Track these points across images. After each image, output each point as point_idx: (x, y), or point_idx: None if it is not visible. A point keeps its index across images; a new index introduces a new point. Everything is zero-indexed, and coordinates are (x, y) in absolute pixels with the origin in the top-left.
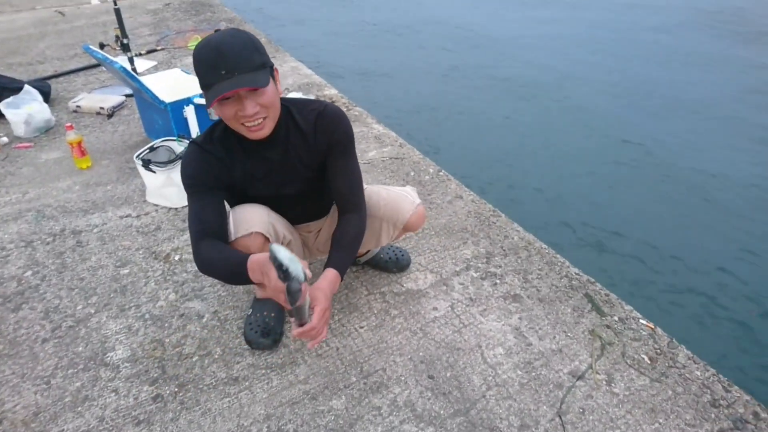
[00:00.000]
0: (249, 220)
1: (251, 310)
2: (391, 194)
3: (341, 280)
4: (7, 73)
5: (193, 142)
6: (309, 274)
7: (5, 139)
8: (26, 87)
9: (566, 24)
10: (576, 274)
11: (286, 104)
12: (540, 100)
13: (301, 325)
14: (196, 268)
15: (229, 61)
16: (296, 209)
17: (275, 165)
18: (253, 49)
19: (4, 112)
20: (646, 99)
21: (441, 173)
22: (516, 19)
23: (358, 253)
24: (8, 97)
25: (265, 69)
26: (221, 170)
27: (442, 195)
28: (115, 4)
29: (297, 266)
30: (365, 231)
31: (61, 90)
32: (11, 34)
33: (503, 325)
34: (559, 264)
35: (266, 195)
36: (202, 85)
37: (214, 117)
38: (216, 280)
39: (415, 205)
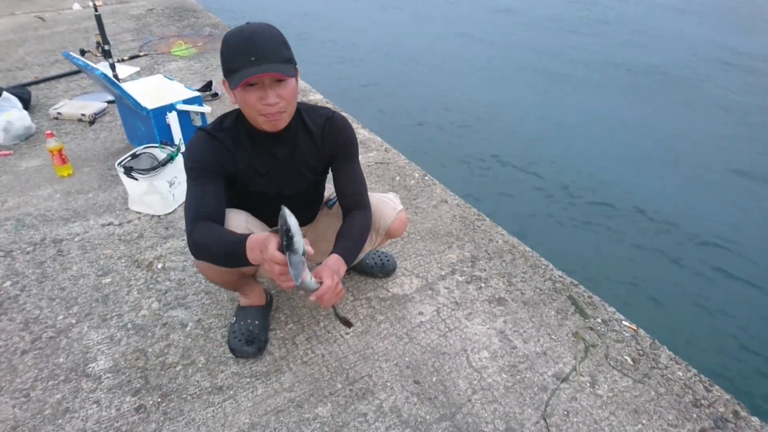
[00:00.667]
0: (227, 225)
1: (235, 318)
2: (373, 200)
3: (346, 269)
4: None
5: (202, 129)
6: (310, 250)
7: None
8: (5, 94)
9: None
10: (559, 276)
11: (297, 106)
12: (528, 101)
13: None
14: (180, 277)
15: (259, 50)
16: (292, 208)
17: (280, 163)
18: (283, 43)
19: None
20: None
21: (426, 178)
22: (504, 19)
23: (362, 250)
24: None
25: (292, 64)
26: (227, 159)
27: (427, 199)
28: (96, 11)
29: (301, 239)
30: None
31: (42, 97)
32: None
33: (488, 328)
34: (543, 267)
35: (266, 192)
36: (228, 70)
37: (197, 124)
38: (200, 288)
39: (397, 211)
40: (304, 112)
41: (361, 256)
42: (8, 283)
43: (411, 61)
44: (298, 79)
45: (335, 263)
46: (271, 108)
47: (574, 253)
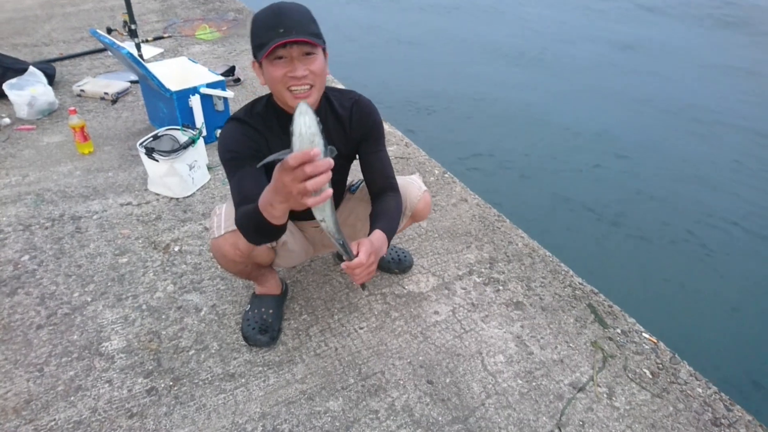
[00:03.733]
0: None
1: (249, 305)
2: (399, 182)
3: (388, 244)
4: (12, 53)
5: (232, 118)
6: (334, 150)
7: (7, 120)
8: (31, 68)
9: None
10: (579, 283)
11: (325, 90)
12: (552, 100)
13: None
14: (196, 261)
15: (287, 22)
16: None
17: None
18: (312, 19)
19: (7, 93)
20: (667, 111)
21: (446, 175)
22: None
23: (397, 230)
24: (12, 78)
25: (320, 39)
26: (260, 143)
27: (446, 197)
28: None
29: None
30: None
31: (66, 73)
32: (18, 14)
33: (505, 332)
34: (563, 273)
35: None
36: (257, 45)
37: (219, 108)
38: (216, 273)
39: (422, 191)
40: (331, 96)
41: None
42: (26, 257)
43: (434, 52)
44: (327, 59)
45: (379, 240)
46: (298, 81)
47: (595, 260)
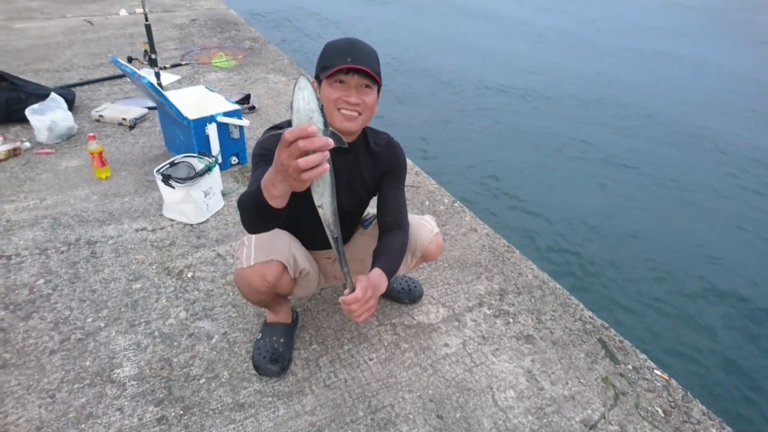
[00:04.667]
0: (271, 246)
1: (261, 334)
2: (411, 221)
3: (387, 283)
4: (35, 78)
5: (273, 128)
6: (341, 140)
7: (28, 144)
8: (52, 95)
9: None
10: (590, 317)
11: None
12: (566, 132)
13: (351, 290)
14: (208, 288)
15: (357, 54)
16: None
17: (340, 174)
18: (377, 60)
19: (29, 118)
20: (685, 139)
21: (456, 204)
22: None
23: (399, 269)
24: (35, 103)
25: (380, 77)
26: None
27: (456, 227)
28: (146, 20)
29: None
30: None
31: (85, 98)
32: (41, 41)
33: (515, 366)
34: (573, 306)
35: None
36: (323, 66)
37: (235, 136)
38: (227, 301)
39: (434, 233)
40: (368, 132)
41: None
42: (42, 281)
43: (447, 73)
44: (378, 100)
45: (377, 278)
46: (350, 107)
47: (605, 293)
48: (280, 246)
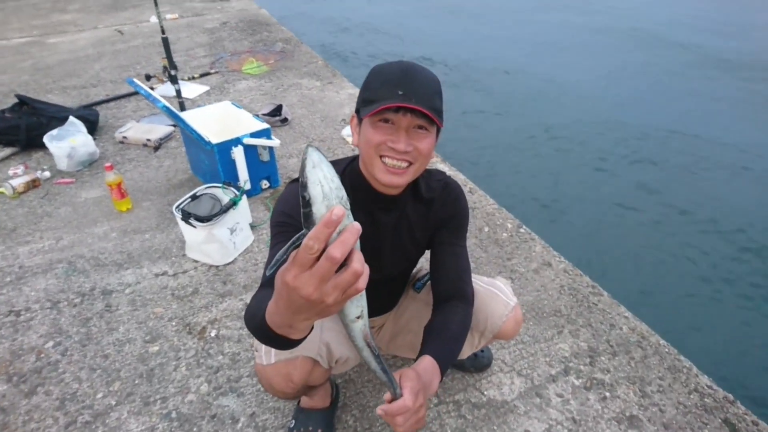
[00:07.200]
0: None
1: (294, 422)
2: (478, 290)
3: (441, 379)
4: (61, 96)
5: (295, 180)
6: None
7: (47, 174)
8: (71, 119)
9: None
10: (708, 387)
11: None
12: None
13: (392, 399)
14: (234, 350)
15: (411, 86)
16: (374, 295)
17: (383, 233)
18: (438, 92)
19: (48, 145)
20: None
21: (522, 230)
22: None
23: (459, 356)
24: (56, 127)
25: (441, 117)
26: None
27: (525, 261)
28: (163, 33)
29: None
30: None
31: (110, 117)
32: (71, 56)
33: None
34: (685, 371)
35: None
36: (365, 100)
37: (264, 159)
38: (254, 370)
39: (510, 308)
40: (420, 178)
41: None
42: (51, 343)
43: (504, 75)
44: (436, 144)
45: (428, 372)
46: (397, 156)
47: (728, 351)
48: (310, 336)
